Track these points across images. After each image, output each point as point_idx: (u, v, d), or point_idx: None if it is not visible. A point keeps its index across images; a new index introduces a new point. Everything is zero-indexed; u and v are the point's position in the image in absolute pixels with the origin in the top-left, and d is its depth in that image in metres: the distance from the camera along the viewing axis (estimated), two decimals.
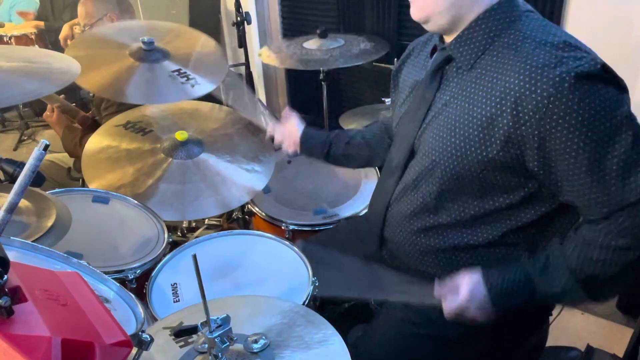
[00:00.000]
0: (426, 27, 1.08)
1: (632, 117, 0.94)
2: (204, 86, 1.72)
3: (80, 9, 2.24)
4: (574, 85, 0.89)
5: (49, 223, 1.12)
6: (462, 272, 1.07)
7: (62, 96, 2.32)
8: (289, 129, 1.54)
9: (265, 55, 2.27)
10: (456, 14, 1.03)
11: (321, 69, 2.24)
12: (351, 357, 0.83)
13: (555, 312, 1.20)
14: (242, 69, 2.31)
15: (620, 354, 1.39)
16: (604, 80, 0.91)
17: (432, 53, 1.17)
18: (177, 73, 1.73)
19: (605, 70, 0.92)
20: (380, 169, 1.68)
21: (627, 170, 0.92)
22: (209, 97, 1.94)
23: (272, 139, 1.60)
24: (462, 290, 1.04)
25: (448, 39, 1.08)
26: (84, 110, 2.33)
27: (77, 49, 1.77)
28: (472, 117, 1.01)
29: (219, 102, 1.91)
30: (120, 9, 2.25)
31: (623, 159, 0.92)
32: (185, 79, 1.72)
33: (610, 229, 0.96)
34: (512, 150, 0.98)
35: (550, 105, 0.90)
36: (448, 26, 1.05)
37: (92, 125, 2.16)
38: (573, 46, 0.94)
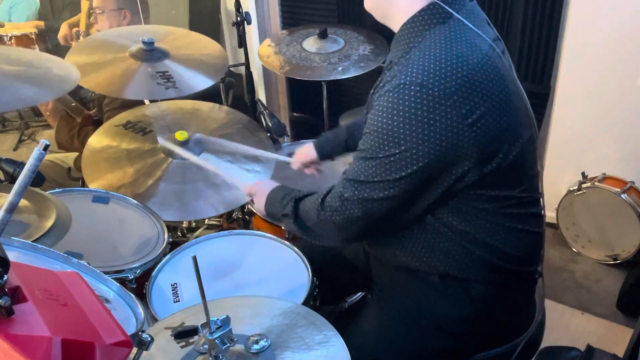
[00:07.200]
0: None
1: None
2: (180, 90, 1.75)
3: None
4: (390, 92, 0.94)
5: (49, 223, 1.12)
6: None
7: None
8: (304, 156, 1.56)
9: (264, 56, 2.27)
10: (383, 13, 1.08)
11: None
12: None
13: (556, 314, 1.20)
14: (242, 69, 2.31)
15: (620, 354, 1.39)
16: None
17: None
18: (160, 74, 1.76)
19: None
20: None
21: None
22: (208, 97, 1.94)
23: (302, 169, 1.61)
24: (251, 187, 1.36)
25: None
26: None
27: (78, 55, 1.78)
28: None
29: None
30: (134, 11, 2.22)
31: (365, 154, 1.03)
32: (166, 80, 1.75)
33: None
34: None
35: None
36: (384, 22, 1.09)
37: (95, 121, 2.15)
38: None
